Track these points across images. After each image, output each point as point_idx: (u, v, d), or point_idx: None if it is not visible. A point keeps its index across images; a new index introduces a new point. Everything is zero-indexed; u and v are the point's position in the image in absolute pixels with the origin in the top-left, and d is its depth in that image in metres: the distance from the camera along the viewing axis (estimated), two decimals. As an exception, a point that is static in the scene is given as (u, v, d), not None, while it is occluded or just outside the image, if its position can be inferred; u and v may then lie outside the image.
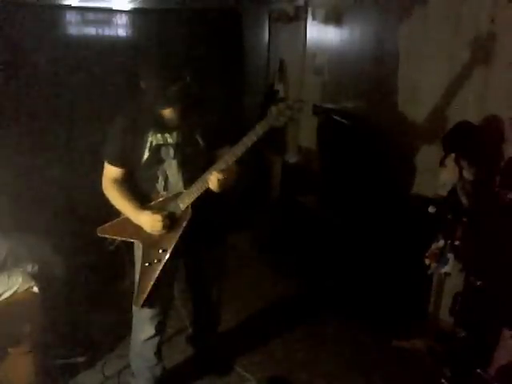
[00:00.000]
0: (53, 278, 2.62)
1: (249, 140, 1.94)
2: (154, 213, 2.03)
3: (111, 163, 2.11)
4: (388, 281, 2.94)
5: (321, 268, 3.48)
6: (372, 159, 3.18)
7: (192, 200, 2.03)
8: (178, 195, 2.06)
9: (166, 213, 2.05)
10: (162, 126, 2.02)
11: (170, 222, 2.05)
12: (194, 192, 2.02)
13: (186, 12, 5.17)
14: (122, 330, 2.73)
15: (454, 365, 2.49)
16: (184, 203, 2.05)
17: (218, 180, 1.95)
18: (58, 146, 4.50)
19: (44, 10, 4.73)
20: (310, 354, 2.82)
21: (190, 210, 2.05)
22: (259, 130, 1.93)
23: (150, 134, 2.03)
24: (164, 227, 2.04)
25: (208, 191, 2.01)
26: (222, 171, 1.96)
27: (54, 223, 3.25)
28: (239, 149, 1.95)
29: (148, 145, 2.03)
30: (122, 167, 2.10)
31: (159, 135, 2.03)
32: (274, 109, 1.93)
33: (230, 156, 1.97)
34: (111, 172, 2.12)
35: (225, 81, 4.77)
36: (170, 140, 2.05)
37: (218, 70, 4.87)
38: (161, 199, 2.08)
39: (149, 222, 2.04)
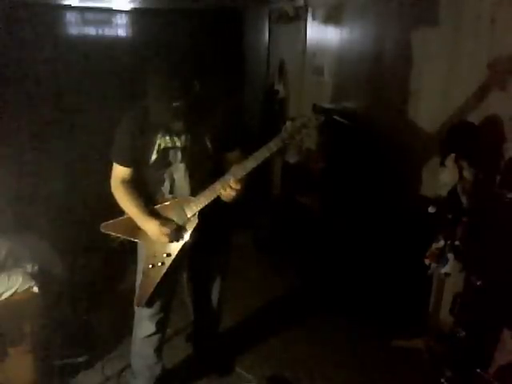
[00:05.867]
0: (53, 278, 2.63)
1: (261, 155, 1.93)
2: (161, 224, 2.02)
3: (119, 163, 2.10)
4: (388, 281, 2.94)
5: (321, 268, 3.48)
6: (372, 159, 3.18)
7: (199, 209, 2.03)
8: (184, 201, 2.05)
9: (173, 224, 2.04)
10: (171, 129, 2.00)
11: (176, 229, 2.05)
12: (202, 201, 2.02)
13: (186, 12, 5.18)
14: (122, 330, 2.73)
15: (454, 365, 2.49)
16: (191, 211, 2.04)
17: (232, 192, 1.95)
18: (58, 145, 4.51)
19: (44, 10, 4.74)
20: (310, 354, 2.82)
21: (196, 218, 2.04)
22: (273, 146, 1.92)
23: (159, 136, 2.01)
24: (170, 240, 2.04)
25: (215, 199, 2.01)
26: (235, 183, 1.95)
27: (54, 223, 3.25)
28: (250, 163, 1.94)
29: (156, 147, 2.02)
30: (129, 167, 2.09)
31: (167, 138, 2.02)
32: (288, 126, 1.91)
33: (240, 170, 1.96)
34: (119, 172, 2.11)
35: (225, 81, 4.78)
36: (178, 143, 2.03)
37: (218, 70, 4.87)
38: (167, 203, 2.07)
39: (155, 232, 2.03)
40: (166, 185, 2.09)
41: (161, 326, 2.30)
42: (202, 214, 2.05)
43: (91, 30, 5.09)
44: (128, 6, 5.14)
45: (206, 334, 2.66)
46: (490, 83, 2.47)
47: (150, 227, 2.04)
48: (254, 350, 2.83)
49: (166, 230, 2.01)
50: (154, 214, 2.07)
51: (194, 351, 2.74)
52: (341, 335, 2.98)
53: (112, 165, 2.13)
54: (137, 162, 2.08)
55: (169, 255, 2.08)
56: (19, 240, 2.59)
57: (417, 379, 2.61)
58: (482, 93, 2.53)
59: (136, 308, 2.25)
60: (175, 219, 2.06)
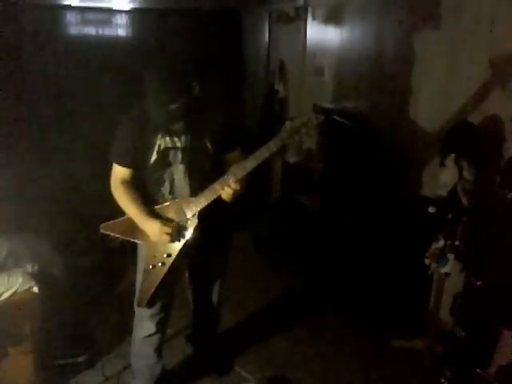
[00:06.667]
0: (53, 278, 2.63)
1: (261, 155, 1.93)
2: (162, 224, 2.01)
3: (119, 163, 2.10)
4: (388, 281, 2.94)
5: (321, 268, 3.48)
6: (372, 159, 3.18)
7: (199, 209, 2.03)
8: (184, 202, 2.04)
9: (174, 224, 2.03)
10: (171, 130, 2.00)
11: (176, 230, 2.04)
12: (202, 201, 2.01)
13: (186, 12, 5.18)
14: (122, 329, 2.73)
15: (454, 365, 2.49)
16: (191, 211, 2.04)
17: (232, 192, 1.96)
18: (58, 145, 4.51)
19: (44, 10, 4.73)
20: (310, 354, 2.82)
21: (196, 218, 2.04)
22: (272, 146, 1.92)
23: (159, 136, 2.01)
24: (171, 240, 2.03)
25: (215, 199, 2.01)
26: (234, 183, 1.95)
27: (54, 223, 3.25)
28: (250, 163, 1.94)
29: (156, 147, 2.02)
30: (129, 167, 2.09)
31: (168, 138, 2.02)
32: (288, 125, 1.92)
33: (240, 170, 1.96)
34: (119, 172, 2.10)
35: (225, 81, 4.78)
36: (178, 144, 2.03)
37: (218, 71, 4.87)
38: (166, 204, 2.07)
39: (156, 232, 2.02)
40: (166, 185, 2.08)
41: (161, 326, 2.30)
42: (202, 214, 2.04)
43: (91, 30, 5.09)
44: (128, 6, 5.14)
45: (205, 333, 2.66)
46: (491, 82, 2.47)
47: (151, 227, 2.03)
48: (253, 350, 2.82)
49: (167, 229, 2.00)
50: (154, 214, 2.06)
51: (193, 351, 2.75)
52: (341, 335, 2.98)
53: (112, 165, 2.13)
54: (136, 162, 2.07)
55: (169, 255, 2.07)
56: (19, 240, 2.59)
57: (417, 379, 2.61)
58: (482, 92, 2.53)
59: (136, 308, 2.25)
60: (175, 220, 2.06)
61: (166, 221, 2.05)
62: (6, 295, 2.29)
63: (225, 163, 2.10)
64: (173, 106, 1.84)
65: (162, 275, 2.08)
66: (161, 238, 2.03)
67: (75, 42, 4.97)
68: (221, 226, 2.27)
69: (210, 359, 2.69)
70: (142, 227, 2.07)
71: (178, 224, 2.05)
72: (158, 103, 1.87)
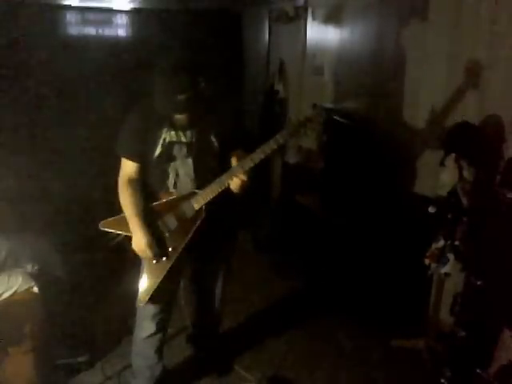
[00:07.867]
0: (53, 278, 2.62)
1: (268, 148, 1.96)
2: (149, 240, 2.02)
3: (126, 157, 2.11)
4: (388, 281, 2.94)
5: (321, 268, 3.48)
6: (372, 159, 3.18)
7: (206, 201, 2.03)
8: (191, 195, 2.06)
9: (163, 237, 2.06)
10: (177, 124, 2.04)
11: (183, 222, 2.05)
12: (210, 193, 2.03)
13: (186, 12, 5.18)
14: (122, 329, 2.73)
15: (454, 365, 2.49)
16: (198, 204, 2.04)
17: (241, 182, 1.98)
18: (58, 145, 4.51)
19: (44, 10, 4.74)
20: (310, 354, 2.82)
21: (203, 211, 2.05)
22: (279, 139, 1.96)
23: (165, 130, 2.04)
24: (151, 256, 2.05)
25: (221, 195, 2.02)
26: (244, 173, 1.97)
27: (54, 222, 3.25)
28: (257, 156, 1.97)
29: (161, 141, 2.04)
30: (136, 161, 2.10)
31: (173, 132, 2.04)
32: (294, 120, 1.97)
33: (247, 162, 1.98)
34: (128, 167, 2.11)
35: (225, 81, 4.77)
36: (183, 138, 2.06)
37: (218, 71, 4.86)
38: (172, 198, 2.08)
39: (139, 244, 2.04)
40: (171, 179, 2.09)
41: (162, 326, 2.30)
42: (208, 208, 2.05)
43: (91, 30, 5.09)
44: (128, 6, 5.14)
45: (206, 333, 2.66)
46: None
47: (138, 237, 2.04)
48: (253, 350, 2.82)
49: (150, 248, 2.02)
50: (149, 224, 2.06)
51: (194, 351, 2.74)
52: (341, 335, 2.98)
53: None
54: (143, 156, 2.08)
55: (174, 249, 2.08)
56: (19, 240, 2.59)
57: (417, 379, 2.61)
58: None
59: (138, 308, 2.25)
60: (182, 212, 2.06)
61: (166, 219, 2.06)
62: (5, 295, 2.29)
63: (228, 159, 2.13)
64: (181, 97, 1.88)
65: (165, 270, 2.08)
66: (140, 251, 2.05)
67: (75, 42, 4.97)
68: (226, 222, 2.27)
69: (210, 359, 2.69)
70: (131, 230, 2.06)
71: (183, 212, 2.05)
72: (166, 92, 1.91)
